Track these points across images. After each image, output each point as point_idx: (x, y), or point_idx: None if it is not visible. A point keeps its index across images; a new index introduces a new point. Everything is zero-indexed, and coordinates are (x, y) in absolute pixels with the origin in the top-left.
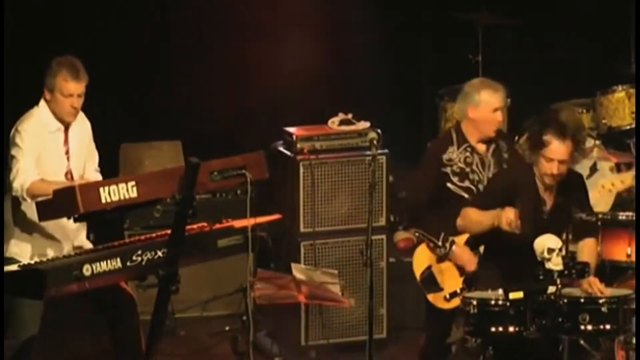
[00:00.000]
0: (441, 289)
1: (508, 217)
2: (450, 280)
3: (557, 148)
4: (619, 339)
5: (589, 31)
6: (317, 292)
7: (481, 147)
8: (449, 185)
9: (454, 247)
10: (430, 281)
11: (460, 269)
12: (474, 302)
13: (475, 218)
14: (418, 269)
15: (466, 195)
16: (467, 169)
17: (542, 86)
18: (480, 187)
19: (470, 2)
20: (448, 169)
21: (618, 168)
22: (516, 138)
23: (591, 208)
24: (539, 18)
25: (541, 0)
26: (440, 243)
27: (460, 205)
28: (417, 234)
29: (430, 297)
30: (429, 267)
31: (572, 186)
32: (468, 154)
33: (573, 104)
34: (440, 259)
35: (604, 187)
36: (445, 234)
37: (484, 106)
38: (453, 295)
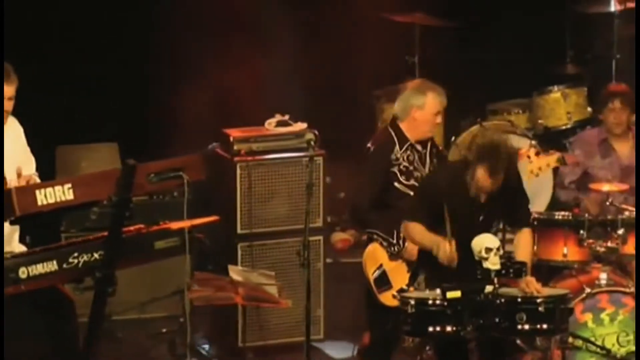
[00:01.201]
0: (392, 287)
1: (445, 251)
2: (399, 277)
3: (486, 181)
4: (555, 339)
5: (525, 32)
6: (254, 293)
7: (418, 145)
8: (396, 184)
9: (406, 244)
10: (382, 280)
11: (409, 265)
12: (412, 302)
13: (417, 238)
14: (370, 268)
15: (412, 193)
16: (411, 167)
17: (479, 87)
18: None
19: (406, 3)
20: (395, 168)
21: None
22: (453, 138)
23: (527, 199)
24: (475, 19)
25: (478, 1)
26: (394, 241)
27: (408, 203)
28: (370, 234)
29: (382, 296)
30: (380, 266)
31: (510, 187)
32: (409, 152)
33: (509, 104)
34: (393, 257)
35: (532, 172)
36: (397, 231)
37: (428, 108)
38: (401, 292)
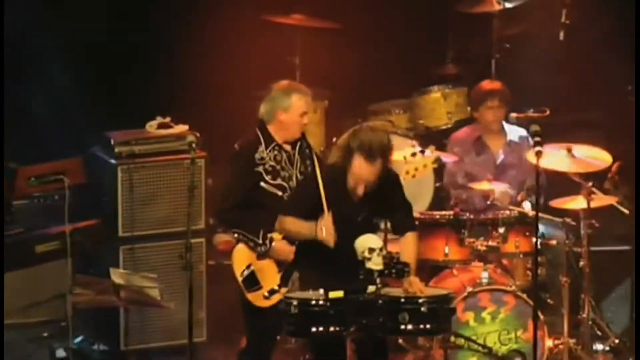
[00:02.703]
0: (261, 287)
1: (322, 227)
2: (270, 277)
3: (363, 169)
4: (437, 338)
5: (405, 33)
6: (136, 296)
7: (287, 146)
8: (262, 184)
9: (273, 243)
10: (251, 280)
11: (279, 265)
12: (295, 302)
13: (293, 228)
14: (238, 268)
15: (280, 193)
16: (278, 167)
17: (360, 87)
18: (291, 184)
19: (287, 5)
20: (260, 168)
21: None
22: (334, 139)
23: (408, 204)
24: (356, 20)
25: (358, 3)
26: (260, 241)
27: (274, 203)
28: (236, 234)
29: (251, 296)
30: (248, 266)
31: (387, 184)
32: (277, 152)
33: (390, 104)
34: (260, 257)
35: (409, 173)
36: (264, 231)
37: (294, 109)
38: (272, 292)
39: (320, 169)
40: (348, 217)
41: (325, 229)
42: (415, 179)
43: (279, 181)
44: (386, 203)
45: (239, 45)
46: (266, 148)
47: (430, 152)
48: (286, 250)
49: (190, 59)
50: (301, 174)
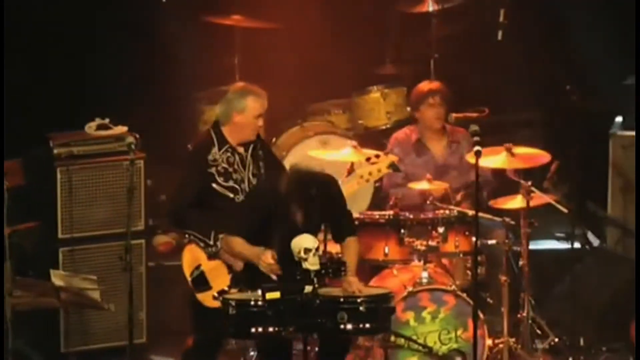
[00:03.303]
0: (211, 287)
1: (266, 262)
2: (220, 278)
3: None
4: (378, 337)
5: (344, 33)
6: (76, 298)
7: (240, 148)
8: (214, 185)
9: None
10: (201, 280)
11: (229, 266)
12: (233, 303)
13: (237, 250)
14: (188, 268)
15: (231, 195)
16: (230, 169)
17: (299, 87)
18: (243, 186)
19: (226, 6)
20: (213, 169)
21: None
22: (273, 140)
23: (348, 211)
24: (295, 20)
25: (297, 3)
26: (211, 242)
27: (226, 204)
28: (187, 235)
29: (200, 296)
30: (198, 267)
31: (326, 190)
32: (229, 154)
33: (330, 105)
34: (211, 258)
35: (362, 177)
36: (215, 232)
37: (248, 112)
38: (221, 293)
39: (272, 174)
40: (288, 232)
41: (267, 264)
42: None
43: (231, 183)
44: (327, 210)
45: (178, 46)
46: (219, 150)
47: (385, 156)
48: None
49: (130, 59)
50: (254, 176)
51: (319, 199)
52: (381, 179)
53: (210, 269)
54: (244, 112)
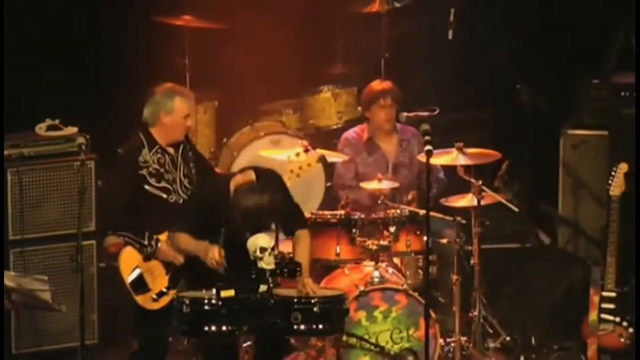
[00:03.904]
0: (149, 289)
1: (213, 256)
2: (158, 279)
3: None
4: (330, 337)
5: (295, 33)
6: (27, 299)
7: (170, 149)
8: (146, 187)
9: (159, 245)
10: (139, 283)
11: (167, 267)
12: (187, 302)
13: (184, 246)
14: (125, 271)
15: (164, 195)
16: (162, 170)
17: (250, 88)
18: (175, 186)
19: (176, 6)
20: (144, 171)
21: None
22: (224, 140)
23: (295, 204)
24: (246, 20)
25: (249, 3)
26: (146, 242)
27: (159, 205)
28: (122, 237)
29: (139, 298)
30: (136, 269)
31: (270, 186)
32: (160, 155)
33: (281, 105)
34: (147, 259)
35: (293, 172)
36: (150, 233)
37: (176, 112)
38: (160, 294)
39: (203, 173)
40: (237, 232)
41: (213, 260)
42: (304, 179)
43: (163, 184)
44: (277, 216)
45: (129, 47)
46: (149, 151)
47: (314, 151)
48: (172, 253)
49: (80, 60)
50: (185, 176)
51: (269, 199)
52: (332, 178)
53: (147, 270)
54: (172, 112)
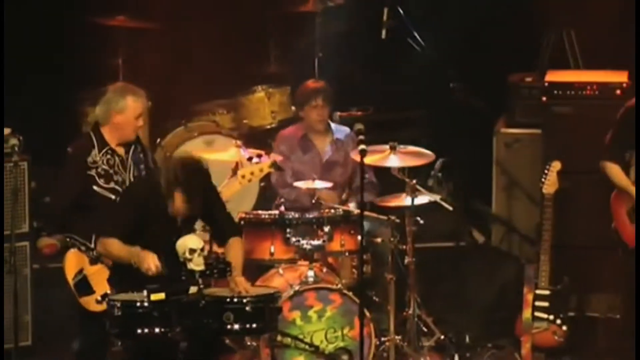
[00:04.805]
0: (94, 292)
1: (147, 263)
2: (102, 282)
3: (183, 207)
4: (264, 337)
5: (228, 33)
6: None
7: (120, 150)
8: (95, 187)
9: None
10: (83, 285)
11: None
12: (118, 304)
13: (115, 253)
14: (70, 273)
15: (113, 197)
16: (111, 171)
17: (183, 88)
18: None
19: (110, 6)
20: (93, 172)
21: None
22: (158, 140)
23: (227, 212)
24: (179, 20)
25: (181, 3)
26: (92, 245)
27: (108, 207)
28: (68, 239)
29: (83, 300)
30: (80, 271)
31: (201, 184)
32: (109, 156)
33: (214, 105)
34: (93, 262)
35: (244, 177)
36: (96, 235)
37: (128, 112)
38: (104, 297)
39: (144, 180)
40: (168, 234)
41: (148, 264)
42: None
43: (112, 185)
44: (206, 212)
45: (62, 46)
46: (99, 151)
47: (267, 157)
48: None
49: (12, 60)
50: (134, 178)
51: (195, 183)
52: (268, 178)
53: (92, 273)
54: (123, 112)
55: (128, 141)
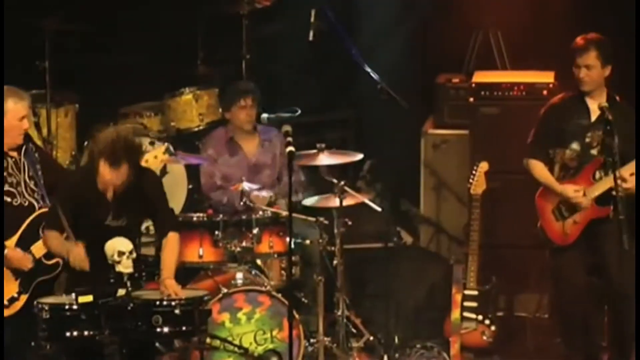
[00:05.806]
0: None
1: (76, 257)
2: (7, 285)
3: (109, 174)
4: (193, 339)
5: (155, 34)
6: None
7: (13, 152)
8: None
9: (6, 251)
10: None
11: (16, 273)
12: (46, 307)
13: (53, 247)
14: None
15: (9, 199)
16: (5, 174)
17: (111, 90)
18: (20, 189)
19: (37, 7)
20: None
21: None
22: (85, 143)
23: (168, 206)
24: (107, 22)
25: (110, 5)
26: None
27: (5, 209)
28: None
29: None
30: None
31: (141, 185)
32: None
33: (141, 107)
34: None
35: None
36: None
37: (10, 115)
38: (12, 300)
39: (51, 173)
40: (100, 221)
41: (76, 259)
42: (166, 181)
43: (7, 188)
44: (142, 204)
45: None
46: None
47: (160, 143)
48: (18, 257)
49: None
50: (30, 178)
51: (117, 149)
52: (198, 180)
53: None
54: (5, 115)
55: (16, 144)
